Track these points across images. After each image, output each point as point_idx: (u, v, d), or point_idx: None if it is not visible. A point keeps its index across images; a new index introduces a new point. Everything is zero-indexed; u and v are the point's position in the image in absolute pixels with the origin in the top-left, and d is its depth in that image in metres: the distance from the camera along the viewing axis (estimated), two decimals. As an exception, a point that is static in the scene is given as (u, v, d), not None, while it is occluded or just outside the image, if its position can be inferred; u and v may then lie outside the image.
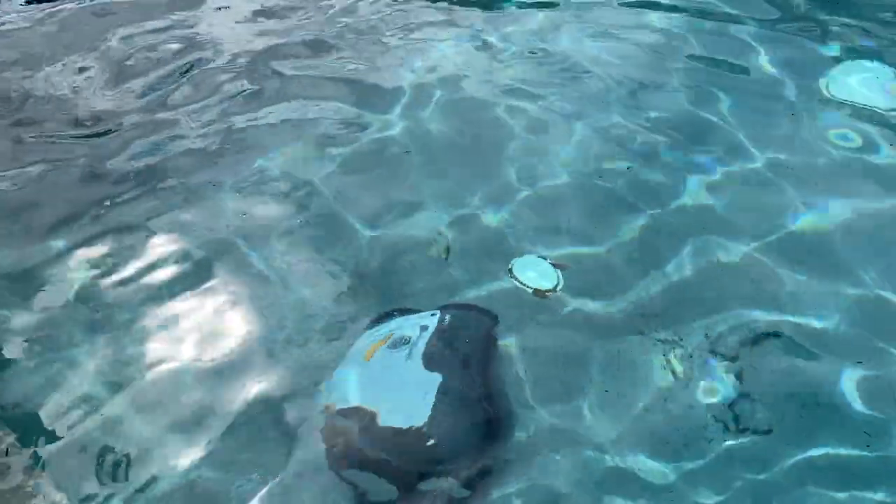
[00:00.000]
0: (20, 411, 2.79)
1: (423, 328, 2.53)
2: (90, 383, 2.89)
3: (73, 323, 3.13)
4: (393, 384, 2.36)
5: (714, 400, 2.82)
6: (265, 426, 2.66)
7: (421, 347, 2.43)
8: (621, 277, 3.37)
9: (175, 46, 4.85)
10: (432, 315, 2.61)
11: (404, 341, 2.48)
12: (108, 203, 3.69)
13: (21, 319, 3.13)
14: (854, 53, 4.40)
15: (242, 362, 2.89)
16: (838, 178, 3.70)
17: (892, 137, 3.90)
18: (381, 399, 2.33)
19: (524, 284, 3.43)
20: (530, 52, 4.74)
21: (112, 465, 2.61)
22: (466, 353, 2.48)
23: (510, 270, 3.50)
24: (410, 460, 2.28)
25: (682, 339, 3.04)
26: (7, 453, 2.62)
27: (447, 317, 2.57)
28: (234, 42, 4.84)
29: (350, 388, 2.41)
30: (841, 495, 2.53)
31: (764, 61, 4.50)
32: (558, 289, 3.39)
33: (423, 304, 3.05)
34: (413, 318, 2.65)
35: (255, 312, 3.11)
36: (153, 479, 2.57)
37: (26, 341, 3.05)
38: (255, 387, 2.82)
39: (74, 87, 4.52)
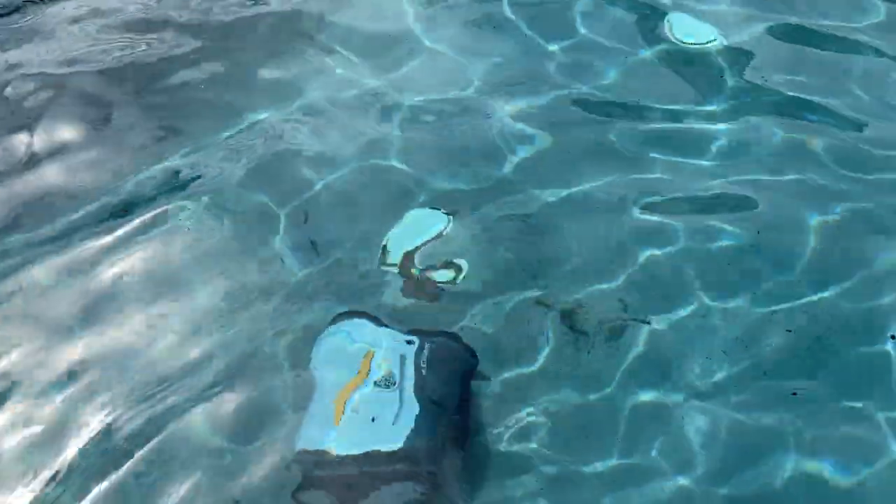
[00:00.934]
0: None
1: (403, 358, 2.33)
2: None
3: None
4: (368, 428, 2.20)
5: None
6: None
7: (409, 385, 2.25)
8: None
9: None
10: (408, 343, 2.38)
11: (390, 382, 2.26)
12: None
13: None
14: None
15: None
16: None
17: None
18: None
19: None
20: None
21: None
22: (441, 392, 2.30)
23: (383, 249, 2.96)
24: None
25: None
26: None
27: (425, 349, 2.36)
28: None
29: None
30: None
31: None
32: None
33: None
34: (385, 337, 2.41)
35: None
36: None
37: None
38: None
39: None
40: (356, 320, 2.47)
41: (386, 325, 2.49)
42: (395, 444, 2.13)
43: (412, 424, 2.15)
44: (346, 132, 3.32)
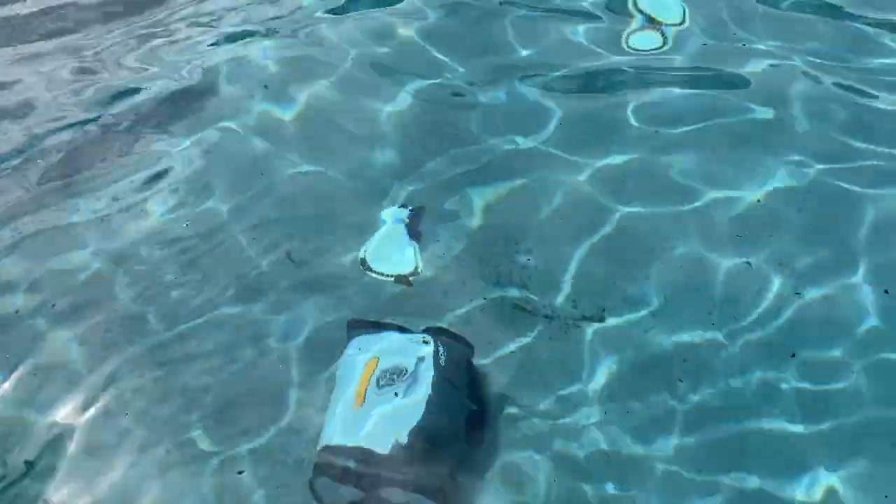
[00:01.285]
0: None
1: (420, 359, 2.31)
2: None
3: None
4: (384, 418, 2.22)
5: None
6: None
7: (425, 384, 2.24)
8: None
9: None
10: (424, 343, 2.38)
11: (399, 373, 2.25)
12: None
13: None
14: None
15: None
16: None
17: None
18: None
19: (383, 275, 3.03)
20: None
21: None
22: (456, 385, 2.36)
23: (363, 262, 3.08)
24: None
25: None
26: None
27: (442, 351, 2.37)
28: None
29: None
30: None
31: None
32: (419, 269, 3.04)
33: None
34: (402, 340, 2.43)
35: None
36: None
37: None
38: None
39: None
40: (364, 336, 2.49)
41: (398, 329, 2.55)
42: (415, 419, 2.17)
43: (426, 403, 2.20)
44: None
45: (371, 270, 3.01)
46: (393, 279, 2.98)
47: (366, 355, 2.36)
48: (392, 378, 2.25)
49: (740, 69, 3.78)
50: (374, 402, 2.22)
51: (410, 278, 2.98)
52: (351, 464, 2.14)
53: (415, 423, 2.16)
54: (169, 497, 2.34)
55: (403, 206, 3.24)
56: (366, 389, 2.24)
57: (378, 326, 2.56)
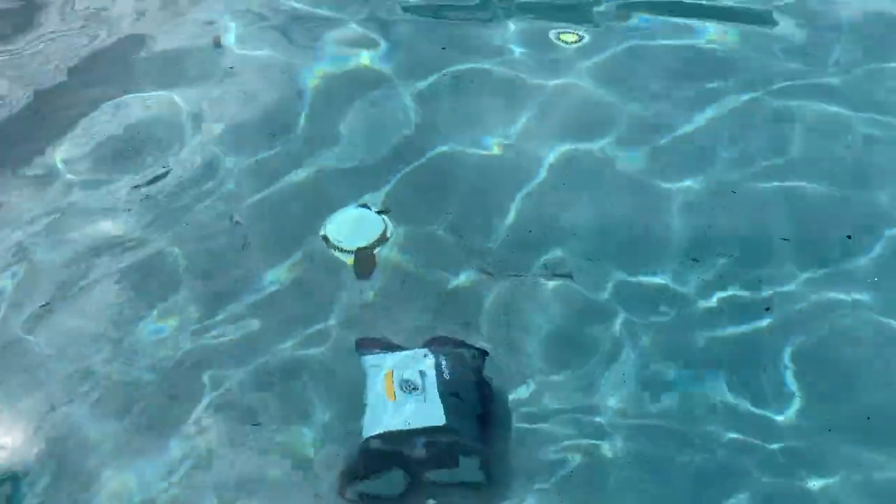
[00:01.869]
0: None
1: (422, 374, 2.46)
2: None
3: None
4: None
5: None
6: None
7: (433, 394, 2.41)
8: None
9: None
10: (425, 356, 2.52)
11: (412, 386, 2.43)
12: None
13: None
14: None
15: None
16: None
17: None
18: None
19: (344, 250, 3.02)
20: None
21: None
22: (465, 396, 2.48)
23: (325, 238, 3.06)
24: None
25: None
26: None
27: (443, 361, 2.51)
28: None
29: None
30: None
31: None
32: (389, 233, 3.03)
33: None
34: (402, 356, 2.56)
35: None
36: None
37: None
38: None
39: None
40: (374, 356, 2.61)
41: (400, 348, 2.64)
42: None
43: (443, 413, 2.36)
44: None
45: (335, 248, 2.99)
46: (353, 256, 2.96)
47: (381, 371, 2.52)
48: (409, 388, 2.43)
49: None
50: (405, 399, 2.40)
51: (374, 252, 2.97)
52: (400, 446, 2.31)
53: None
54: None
55: (363, 205, 3.19)
56: (394, 391, 2.42)
57: (384, 347, 2.68)
